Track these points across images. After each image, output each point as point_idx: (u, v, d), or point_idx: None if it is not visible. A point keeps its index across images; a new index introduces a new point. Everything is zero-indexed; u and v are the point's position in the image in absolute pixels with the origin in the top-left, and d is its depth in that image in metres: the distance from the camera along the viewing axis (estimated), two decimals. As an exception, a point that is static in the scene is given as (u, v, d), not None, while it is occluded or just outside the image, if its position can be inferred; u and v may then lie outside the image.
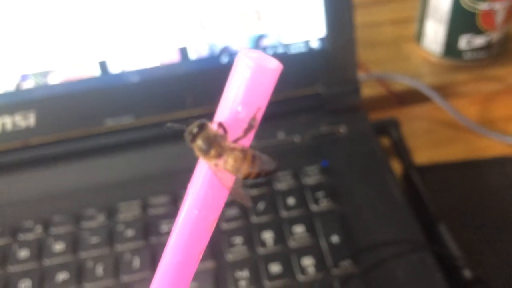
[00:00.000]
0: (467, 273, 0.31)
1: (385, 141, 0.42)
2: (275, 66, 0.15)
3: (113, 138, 0.40)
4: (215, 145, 0.18)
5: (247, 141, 0.18)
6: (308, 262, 0.31)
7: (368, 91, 0.47)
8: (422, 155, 0.41)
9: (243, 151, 0.18)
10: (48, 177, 0.38)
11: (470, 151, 0.42)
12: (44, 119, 0.39)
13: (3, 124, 0.38)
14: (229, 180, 0.18)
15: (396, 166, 0.40)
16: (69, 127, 0.39)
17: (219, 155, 0.18)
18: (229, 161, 0.18)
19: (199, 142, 0.18)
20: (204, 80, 0.40)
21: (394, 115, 0.44)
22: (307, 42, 0.40)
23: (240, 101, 0.15)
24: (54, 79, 0.39)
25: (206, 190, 0.16)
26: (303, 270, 0.31)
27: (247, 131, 0.18)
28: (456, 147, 0.42)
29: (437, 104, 0.45)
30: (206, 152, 0.18)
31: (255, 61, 0.15)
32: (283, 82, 0.41)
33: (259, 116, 0.18)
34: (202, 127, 0.18)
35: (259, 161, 0.18)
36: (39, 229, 0.35)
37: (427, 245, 0.32)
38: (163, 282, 0.16)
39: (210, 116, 0.39)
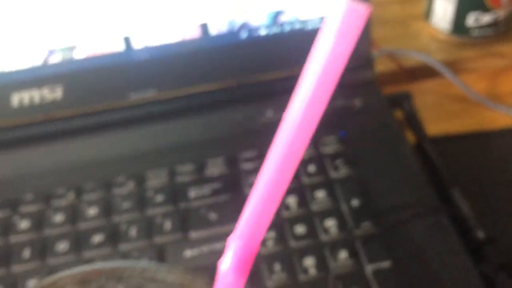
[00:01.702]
0: (480, 234, 0.33)
1: (398, 114, 0.44)
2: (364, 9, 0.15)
3: (137, 111, 0.41)
4: None
5: None
6: (330, 223, 0.33)
7: (379, 67, 0.49)
8: (433, 128, 0.43)
9: None
10: (76, 148, 0.40)
11: (479, 124, 0.44)
12: (71, 92, 0.40)
13: (32, 97, 0.40)
14: None
15: (409, 138, 0.42)
16: (95, 101, 0.41)
17: None
18: None
19: None
20: (223, 55, 0.42)
21: (405, 90, 0.45)
22: (323, 18, 0.42)
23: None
24: (80, 54, 0.40)
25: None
26: (326, 231, 0.33)
27: None
28: (465, 120, 0.44)
29: (446, 79, 0.46)
30: None
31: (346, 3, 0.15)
32: (300, 56, 0.43)
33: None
34: None
35: None
36: (71, 195, 0.36)
37: (442, 208, 0.33)
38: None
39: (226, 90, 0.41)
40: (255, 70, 0.42)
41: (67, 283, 0.17)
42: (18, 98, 0.40)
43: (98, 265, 0.18)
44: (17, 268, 0.33)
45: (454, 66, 0.49)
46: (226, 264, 0.14)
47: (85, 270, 0.17)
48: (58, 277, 0.18)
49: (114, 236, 0.34)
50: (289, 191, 0.35)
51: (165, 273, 0.17)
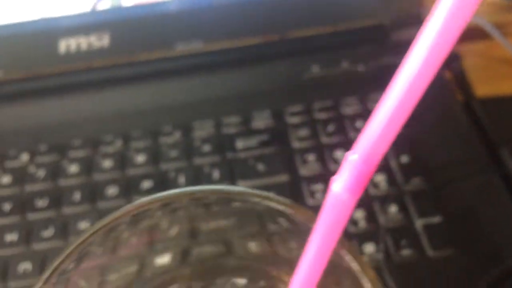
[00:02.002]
0: (530, 194, 0.33)
1: (447, 75, 0.43)
2: None
3: (183, 62, 0.41)
4: None
5: None
6: (379, 178, 0.33)
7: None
8: (480, 90, 0.42)
9: None
10: (122, 97, 0.40)
11: (527, 87, 0.43)
12: (118, 40, 0.40)
13: (79, 44, 0.40)
14: None
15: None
16: (142, 50, 0.41)
17: None
18: None
19: None
20: (271, 7, 0.41)
21: (453, 51, 0.44)
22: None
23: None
24: (128, 2, 0.40)
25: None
26: (375, 185, 0.33)
27: None
28: (513, 83, 0.43)
29: (494, 41, 0.45)
30: None
31: None
32: (348, 11, 0.42)
33: None
34: None
35: None
36: (119, 142, 0.36)
37: (494, 167, 0.33)
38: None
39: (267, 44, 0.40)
40: (303, 24, 0.41)
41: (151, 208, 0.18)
42: (65, 45, 0.40)
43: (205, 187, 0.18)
44: (67, 210, 0.33)
45: (501, 29, 0.48)
46: (341, 182, 0.14)
47: (198, 189, 0.17)
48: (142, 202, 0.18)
49: (163, 183, 0.34)
50: (337, 145, 0.35)
51: (268, 201, 0.17)
